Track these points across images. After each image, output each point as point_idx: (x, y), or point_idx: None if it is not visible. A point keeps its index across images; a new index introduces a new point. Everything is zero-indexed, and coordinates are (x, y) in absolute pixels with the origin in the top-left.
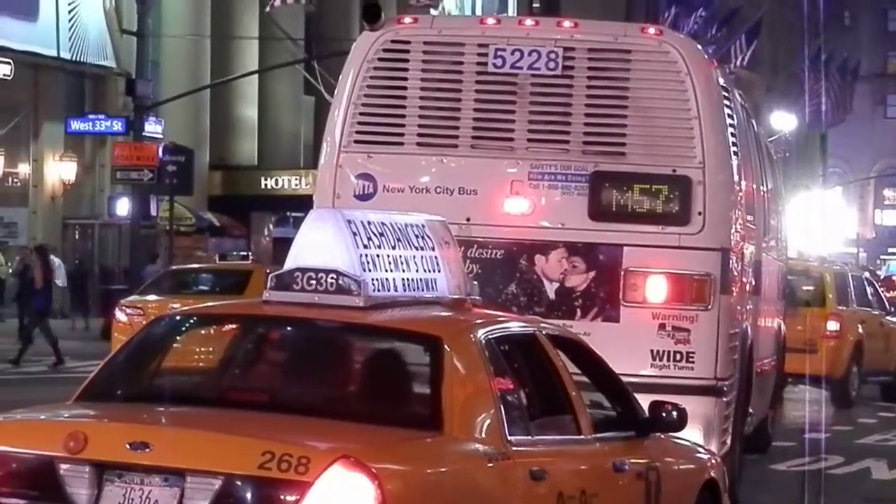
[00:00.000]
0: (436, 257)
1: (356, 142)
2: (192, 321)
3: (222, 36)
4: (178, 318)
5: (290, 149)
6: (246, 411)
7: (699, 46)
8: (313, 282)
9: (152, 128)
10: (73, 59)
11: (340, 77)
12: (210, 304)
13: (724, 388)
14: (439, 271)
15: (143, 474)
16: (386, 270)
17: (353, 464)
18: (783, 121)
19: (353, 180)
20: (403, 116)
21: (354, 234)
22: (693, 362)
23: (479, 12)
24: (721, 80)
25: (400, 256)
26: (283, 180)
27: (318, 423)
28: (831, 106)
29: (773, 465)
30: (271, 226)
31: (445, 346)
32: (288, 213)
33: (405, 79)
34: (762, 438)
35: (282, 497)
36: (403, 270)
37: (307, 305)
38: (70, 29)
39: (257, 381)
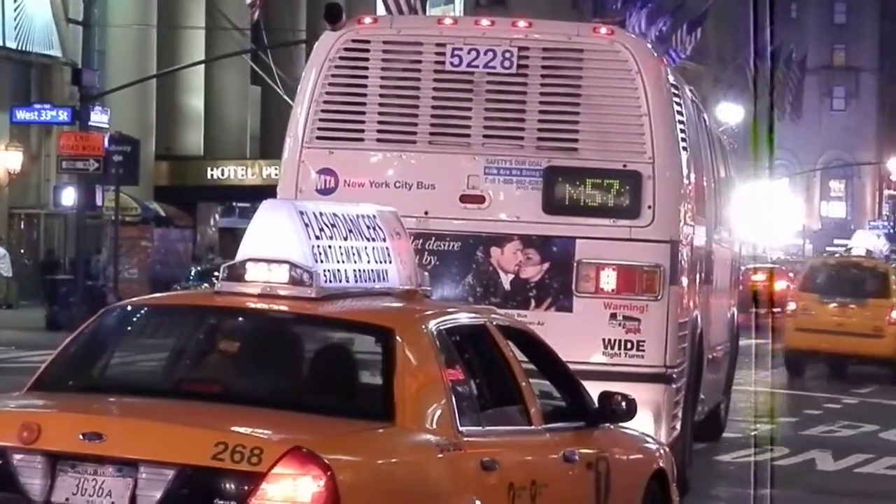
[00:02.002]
0: (387, 248)
1: (318, 138)
2: (143, 312)
3: (169, 25)
4: (129, 308)
5: (237, 139)
6: (199, 402)
7: (649, 45)
8: (265, 272)
9: (98, 117)
10: (19, 48)
11: (303, 75)
12: (161, 294)
13: (674, 376)
14: (390, 262)
15: (96, 465)
16: (338, 261)
17: (305, 455)
18: (730, 112)
19: (315, 175)
20: (364, 113)
21: (306, 225)
22: (643, 350)
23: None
24: (671, 78)
25: (352, 247)
26: (229, 170)
27: (270, 415)
28: (780, 98)
29: (719, 456)
30: (217, 216)
31: (397, 338)
32: (234, 204)
33: (365, 77)
34: (716, 425)
35: (235, 488)
36: (355, 261)
37: (259, 296)
38: (15, 18)
39: (210, 372)
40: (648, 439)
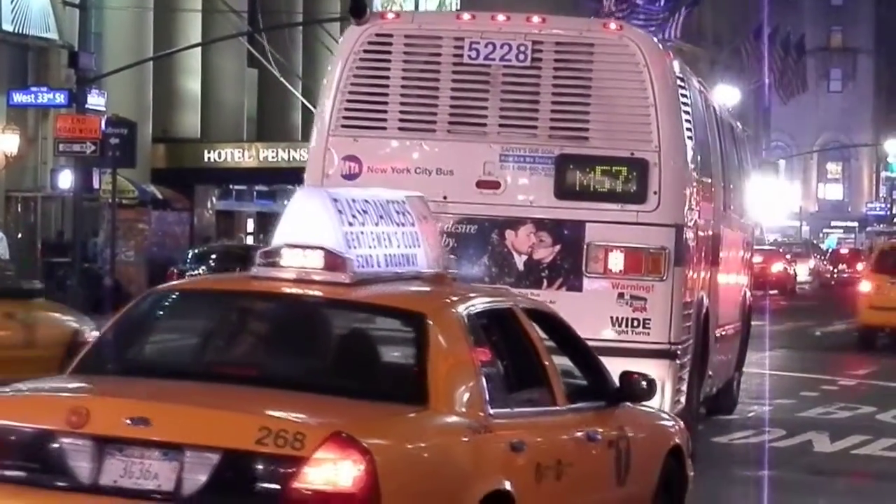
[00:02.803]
0: (416, 233)
1: (343, 126)
2: (181, 296)
3: (165, 8)
4: (167, 292)
5: (234, 122)
6: (240, 386)
7: (656, 40)
8: (300, 258)
9: (95, 100)
10: (16, 31)
11: (329, 67)
12: (199, 278)
13: (678, 352)
14: (419, 246)
15: (142, 449)
16: (369, 247)
17: (345, 440)
18: (727, 95)
19: (341, 161)
20: (386, 103)
21: (340, 212)
22: (649, 328)
23: None
24: (677, 71)
25: (382, 233)
26: (226, 153)
27: (309, 399)
28: (775, 80)
29: (716, 437)
30: (214, 199)
31: (429, 322)
32: (231, 187)
33: (388, 69)
34: (728, 399)
35: (277, 471)
36: (386, 246)
37: (294, 281)
38: (12, 1)
39: (248, 356)
40: (665, 416)
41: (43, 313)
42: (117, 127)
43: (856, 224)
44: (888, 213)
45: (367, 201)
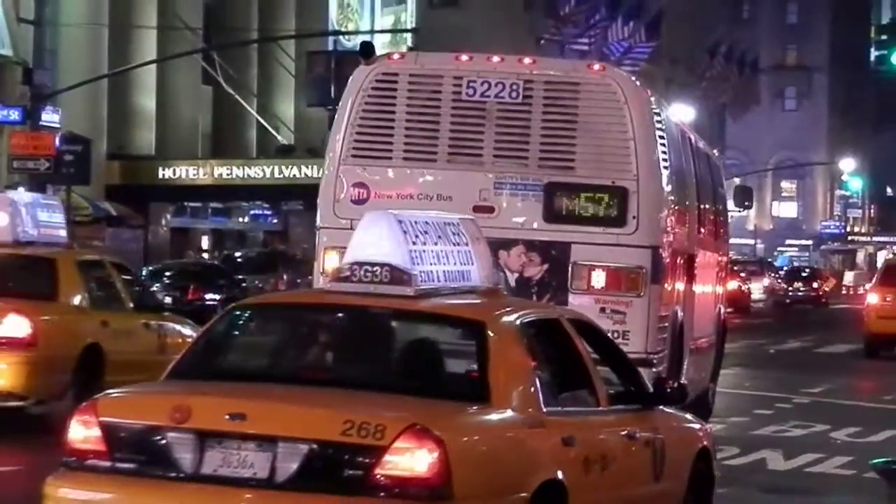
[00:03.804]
0: (469, 251)
1: (353, 156)
2: (262, 309)
3: (120, 25)
4: (249, 306)
5: (189, 139)
6: (321, 387)
7: (636, 80)
8: (369, 274)
9: (49, 117)
10: None
11: (340, 103)
12: (277, 293)
13: (654, 361)
14: (473, 264)
15: (239, 441)
16: (430, 264)
17: (421, 430)
18: (682, 113)
19: (351, 188)
20: (392, 136)
21: (405, 232)
22: (628, 339)
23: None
24: (654, 108)
25: (441, 251)
26: (181, 170)
27: (383, 398)
28: (731, 98)
29: None
30: (169, 216)
31: (488, 329)
32: (185, 204)
33: (394, 104)
34: (703, 408)
35: (361, 459)
36: (444, 263)
37: (364, 295)
38: None
39: (326, 361)
40: (693, 420)
41: (170, 324)
42: (72, 144)
43: (810, 242)
44: (842, 230)
45: (426, 223)
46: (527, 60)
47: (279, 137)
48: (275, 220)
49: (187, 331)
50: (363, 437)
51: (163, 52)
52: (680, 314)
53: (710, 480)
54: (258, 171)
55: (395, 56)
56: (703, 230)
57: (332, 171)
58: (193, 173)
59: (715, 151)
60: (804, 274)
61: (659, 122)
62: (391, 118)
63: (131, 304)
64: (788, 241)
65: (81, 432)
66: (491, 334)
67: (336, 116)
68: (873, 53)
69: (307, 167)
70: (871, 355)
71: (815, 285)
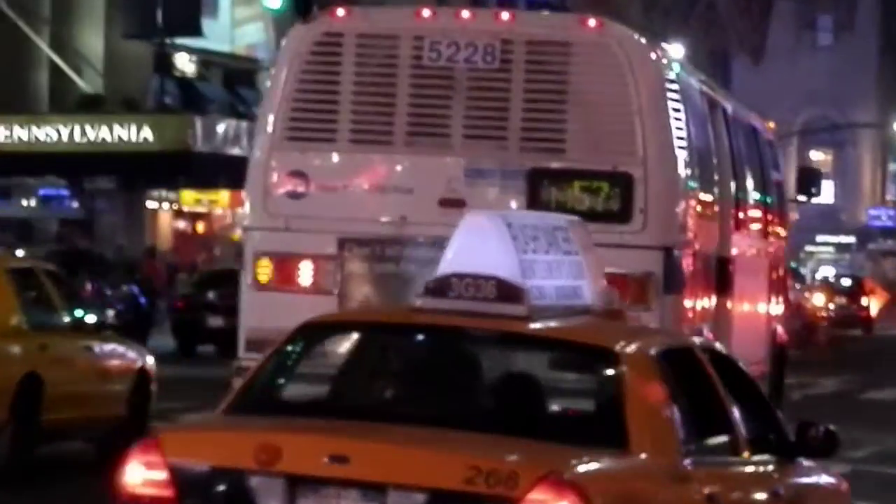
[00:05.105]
0: (581, 262)
1: (288, 139)
2: (340, 328)
3: None
4: (325, 325)
5: None
6: (429, 427)
7: (642, 39)
8: (472, 289)
9: None
10: None
11: (272, 71)
12: (358, 310)
13: None
14: (584, 278)
15: (339, 488)
16: (542, 277)
17: (561, 482)
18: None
19: (286, 178)
20: (337, 112)
21: (514, 238)
22: None
23: None
24: (668, 73)
25: (553, 262)
26: None
27: (507, 441)
28: (735, 47)
29: None
30: None
31: (623, 360)
32: None
33: (339, 73)
34: None
35: None
36: (556, 277)
37: (466, 313)
38: None
39: (427, 394)
40: (832, 475)
41: (113, 346)
42: None
43: (852, 239)
44: None
45: (536, 227)
46: (504, 16)
47: (81, 84)
48: (74, 205)
49: (132, 354)
50: (491, 486)
51: None
52: (708, 334)
53: None
54: (51, 133)
55: (340, 12)
56: (743, 227)
57: (263, 157)
58: None
59: (771, 124)
60: (845, 285)
61: (673, 89)
62: (335, 90)
63: (67, 322)
64: (821, 238)
65: (142, 475)
66: (626, 366)
67: (268, 88)
68: None
69: (122, 127)
70: None
71: (862, 302)
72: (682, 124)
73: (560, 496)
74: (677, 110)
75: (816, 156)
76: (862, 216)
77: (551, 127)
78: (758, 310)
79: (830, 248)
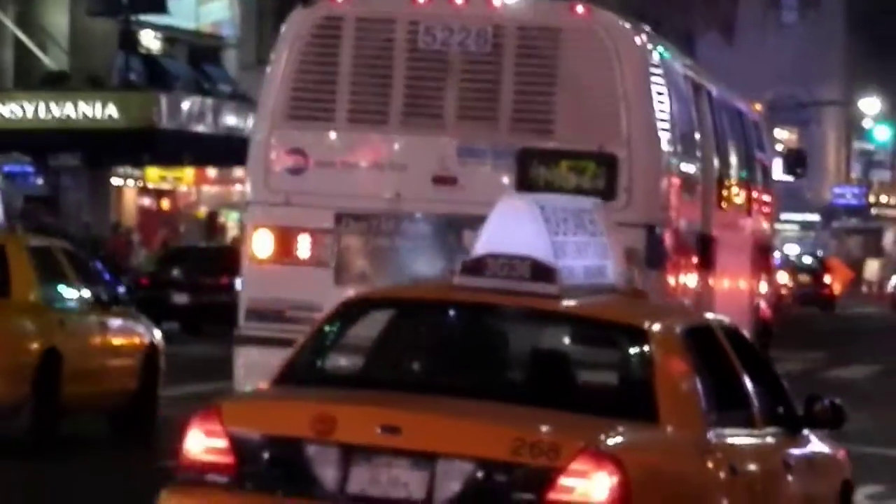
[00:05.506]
0: (605, 243)
1: (289, 117)
2: (381, 305)
3: None
4: (368, 301)
5: None
6: (474, 399)
7: (628, 25)
8: (506, 268)
9: None
10: None
11: (273, 53)
12: (398, 287)
13: None
14: (609, 258)
15: (391, 457)
16: (572, 258)
17: (600, 452)
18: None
19: (285, 155)
20: (335, 92)
21: (546, 220)
22: None
23: None
24: (653, 58)
25: (581, 243)
26: None
27: (547, 413)
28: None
29: None
30: None
31: (652, 337)
32: None
33: (337, 55)
34: None
35: (531, 482)
36: (584, 257)
37: (501, 292)
38: None
39: (469, 367)
40: (836, 447)
41: (126, 321)
42: None
43: (817, 217)
44: (863, 201)
45: (565, 209)
46: (496, 2)
47: (46, 60)
48: (39, 181)
49: (142, 329)
50: (535, 456)
51: None
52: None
53: None
54: (15, 110)
55: None
56: (727, 205)
57: (264, 134)
58: None
59: (757, 106)
60: (807, 264)
61: (658, 73)
62: (334, 71)
63: (85, 298)
64: (785, 216)
65: (202, 442)
66: (654, 344)
67: (269, 68)
68: None
69: (87, 104)
70: None
71: (824, 280)
72: (665, 107)
73: (599, 466)
74: (661, 93)
75: (781, 134)
76: (827, 194)
77: (540, 109)
78: (740, 286)
79: (795, 227)
